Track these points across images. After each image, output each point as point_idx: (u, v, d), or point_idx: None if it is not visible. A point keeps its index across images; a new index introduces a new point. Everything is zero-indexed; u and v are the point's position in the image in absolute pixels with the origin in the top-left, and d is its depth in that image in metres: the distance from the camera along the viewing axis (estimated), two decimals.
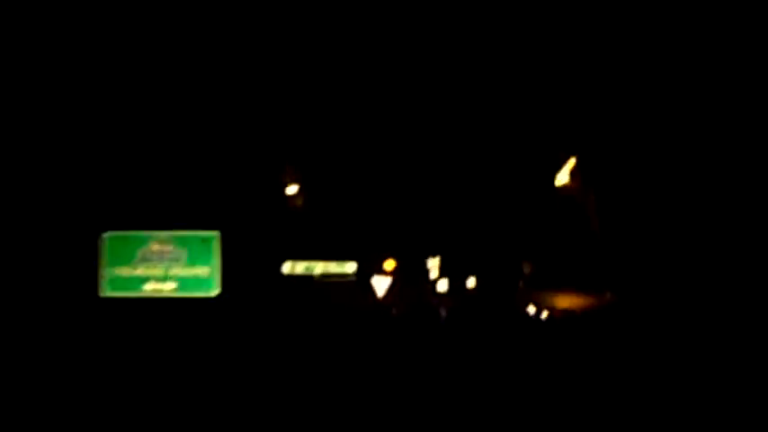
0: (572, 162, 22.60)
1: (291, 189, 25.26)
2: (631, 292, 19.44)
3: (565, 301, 23.26)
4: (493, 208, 30.78)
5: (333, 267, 27.03)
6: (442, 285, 36.99)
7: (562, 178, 23.17)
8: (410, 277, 31.49)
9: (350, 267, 27.29)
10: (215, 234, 18.49)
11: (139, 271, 18.25)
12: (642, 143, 19.33)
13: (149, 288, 18.28)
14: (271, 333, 17.80)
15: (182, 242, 18.43)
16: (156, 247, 18.33)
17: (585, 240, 22.69)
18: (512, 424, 9.88)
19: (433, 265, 36.17)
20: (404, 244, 30.85)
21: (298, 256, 26.56)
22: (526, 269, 30.09)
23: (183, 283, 18.35)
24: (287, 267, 26.72)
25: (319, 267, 27.03)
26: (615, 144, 20.11)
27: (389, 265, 28.73)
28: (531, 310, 25.01)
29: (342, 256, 26.57)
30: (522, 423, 9.90)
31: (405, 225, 30.09)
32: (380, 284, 24.01)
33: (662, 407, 10.32)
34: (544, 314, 24.25)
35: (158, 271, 18.39)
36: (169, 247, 18.27)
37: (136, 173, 19.35)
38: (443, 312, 30.40)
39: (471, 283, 36.72)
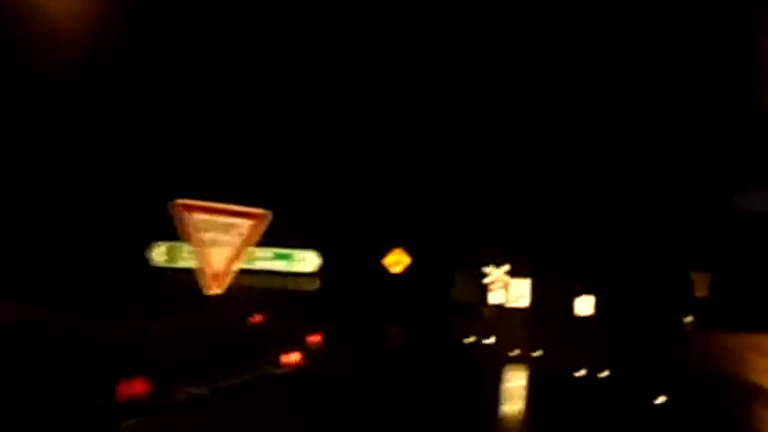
0: None
1: None
2: None
3: None
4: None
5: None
6: (523, 295, 23.56)
7: None
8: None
9: (310, 261, 17.74)
10: None
11: None
12: None
13: None
14: None
15: None
16: None
17: None
18: None
19: (496, 274, 22.07)
20: (432, 226, 20.13)
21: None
22: (700, 289, 17.10)
23: None
24: (159, 253, 17.69)
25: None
26: None
27: (397, 260, 16.48)
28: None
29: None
30: None
31: (435, 188, 20.45)
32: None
33: None
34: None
35: None
36: None
37: None
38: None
39: (584, 307, 21.75)
